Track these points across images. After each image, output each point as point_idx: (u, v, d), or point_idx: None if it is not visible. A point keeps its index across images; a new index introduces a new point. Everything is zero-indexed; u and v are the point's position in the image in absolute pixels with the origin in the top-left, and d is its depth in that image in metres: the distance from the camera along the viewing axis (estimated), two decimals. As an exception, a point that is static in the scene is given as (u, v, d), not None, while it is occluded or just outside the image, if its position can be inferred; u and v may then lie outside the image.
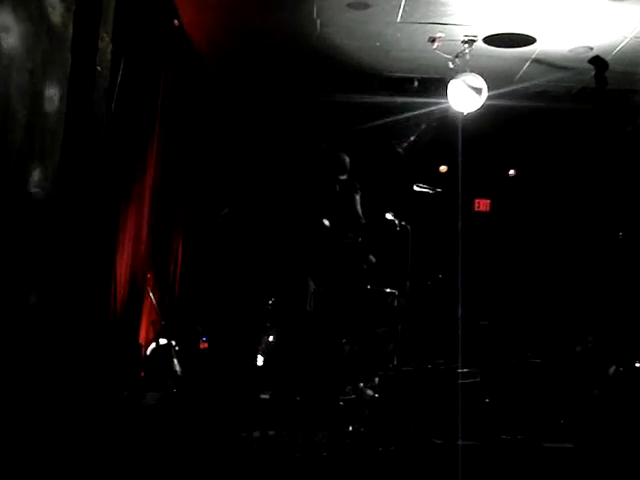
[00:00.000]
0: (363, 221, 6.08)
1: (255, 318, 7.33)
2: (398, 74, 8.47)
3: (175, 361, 6.31)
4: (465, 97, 7.43)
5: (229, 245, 8.40)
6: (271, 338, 6.95)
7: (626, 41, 7.25)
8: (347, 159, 6.28)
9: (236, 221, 8.15)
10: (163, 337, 6.43)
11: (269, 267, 6.72)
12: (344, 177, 6.26)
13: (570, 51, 7.58)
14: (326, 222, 5.99)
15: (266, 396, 6.08)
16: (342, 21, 7.07)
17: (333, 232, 6.02)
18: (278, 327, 6.54)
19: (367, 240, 6.25)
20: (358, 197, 6.12)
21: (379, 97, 8.64)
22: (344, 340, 6.34)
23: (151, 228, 6.49)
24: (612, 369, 6.02)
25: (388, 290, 7.07)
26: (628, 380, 5.86)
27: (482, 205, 9.60)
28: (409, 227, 6.79)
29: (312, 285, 5.91)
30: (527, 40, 7.37)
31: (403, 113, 8.71)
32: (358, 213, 6.05)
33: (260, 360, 7.02)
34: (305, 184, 6.30)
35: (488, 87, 7.42)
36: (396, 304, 7.06)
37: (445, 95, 7.57)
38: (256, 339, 7.13)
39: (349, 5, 6.70)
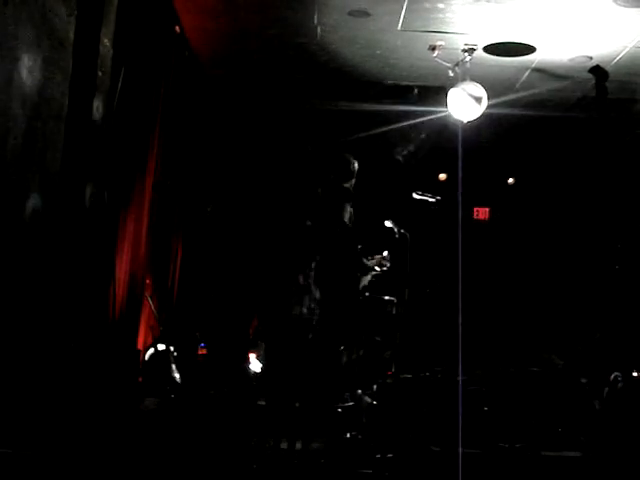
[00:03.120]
0: (348, 226, 6.03)
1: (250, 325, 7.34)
2: (398, 82, 8.48)
3: (173, 367, 6.29)
4: (465, 105, 7.43)
5: (224, 249, 8.41)
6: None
7: (626, 50, 7.26)
8: (355, 164, 6.26)
9: (221, 219, 8.18)
10: (161, 343, 6.42)
11: (259, 273, 6.71)
12: (347, 184, 6.24)
13: (570, 60, 7.59)
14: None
15: (264, 403, 6.07)
16: (343, 29, 7.08)
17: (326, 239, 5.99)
18: (265, 334, 6.50)
19: (364, 247, 6.24)
20: (349, 207, 6.09)
21: (379, 105, 8.64)
22: (342, 347, 6.33)
23: (150, 233, 6.48)
24: (613, 375, 6.02)
25: (387, 298, 7.06)
26: (626, 388, 5.86)
27: (481, 213, 9.61)
28: (408, 235, 6.79)
29: (310, 290, 5.90)
30: (527, 49, 7.39)
31: (403, 121, 8.72)
32: (343, 220, 6.00)
33: (258, 367, 7.01)
34: (297, 189, 6.30)
35: (488, 96, 7.43)
36: (394, 312, 7.05)
37: (445, 103, 7.58)
38: (253, 346, 7.13)
39: (350, 13, 6.71)
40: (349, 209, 6.10)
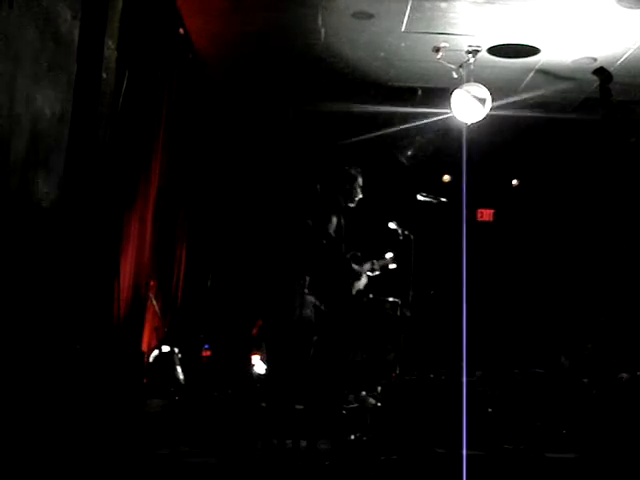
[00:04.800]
0: (333, 237, 6.00)
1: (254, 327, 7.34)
2: (402, 84, 8.48)
3: (178, 368, 6.31)
4: (469, 107, 7.43)
5: (227, 251, 8.42)
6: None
7: (630, 52, 7.26)
8: (358, 180, 6.19)
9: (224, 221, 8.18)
10: (166, 344, 6.43)
11: (262, 274, 6.71)
12: (342, 195, 6.20)
13: (574, 62, 7.59)
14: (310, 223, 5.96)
15: (266, 404, 6.07)
16: (346, 31, 7.09)
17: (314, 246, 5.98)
18: (269, 335, 6.51)
19: (358, 252, 6.25)
20: (334, 217, 6.04)
21: (383, 107, 8.65)
22: (347, 349, 6.33)
23: (154, 235, 6.49)
24: (620, 376, 6.01)
25: (391, 299, 7.06)
26: (632, 388, 5.85)
27: (485, 215, 9.61)
28: (412, 236, 6.79)
29: (310, 296, 5.89)
30: (531, 51, 7.39)
31: (407, 123, 8.72)
32: (328, 232, 5.97)
33: (262, 368, 7.01)
34: (299, 190, 6.29)
35: (492, 97, 7.43)
36: (399, 313, 7.05)
37: (449, 105, 7.58)
38: (257, 347, 7.13)
39: (354, 15, 6.72)
40: (335, 220, 6.06)
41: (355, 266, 6.23)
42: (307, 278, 5.97)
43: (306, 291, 5.69)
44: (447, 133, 8.55)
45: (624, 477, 4.72)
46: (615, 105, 7.53)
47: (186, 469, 4.55)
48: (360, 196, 6.20)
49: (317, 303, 5.85)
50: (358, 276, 6.26)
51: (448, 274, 8.11)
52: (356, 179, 6.16)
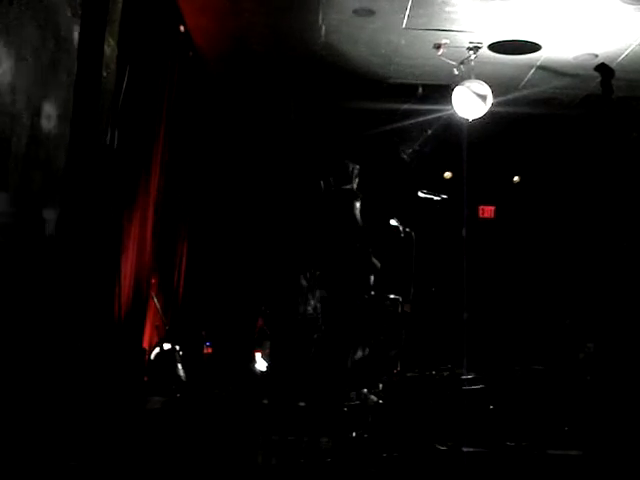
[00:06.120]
0: (360, 225, 6.07)
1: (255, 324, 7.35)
2: (403, 81, 8.47)
3: (179, 366, 6.31)
4: (470, 104, 7.43)
5: (229, 248, 8.42)
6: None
7: (631, 48, 7.25)
8: (355, 168, 6.26)
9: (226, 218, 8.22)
10: (167, 342, 6.44)
11: (266, 272, 6.72)
12: (348, 186, 6.25)
13: (575, 58, 7.58)
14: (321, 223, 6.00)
15: (268, 401, 6.08)
16: (347, 28, 7.08)
17: (336, 238, 6.02)
18: (272, 333, 6.53)
19: (371, 246, 6.27)
20: (358, 204, 6.12)
21: (384, 104, 8.64)
22: (349, 346, 6.34)
23: (155, 233, 6.48)
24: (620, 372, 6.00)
25: (392, 296, 7.07)
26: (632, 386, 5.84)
27: (486, 212, 9.61)
28: (413, 233, 6.79)
29: (314, 290, 5.90)
30: (532, 47, 7.38)
31: (408, 119, 8.71)
32: (356, 219, 6.05)
33: (263, 365, 7.02)
34: (303, 191, 6.31)
35: (493, 94, 7.42)
36: (400, 310, 7.05)
37: (450, 102, 7.58)
38: (259, 345, 7.14)
39: (354, 12, 6.71)
40: (358, 206, 6.12)
41: (375, 260, 6.26)
42: (316, 273, 6.00)
43: (307, 285, 5.70)
44: (448, 130, 8.55)
45: (627, 474, 4.71)
46: (617, 101, 7.53)
47: (188, 467, 4.55)
48: (355, 186, 6.26)
49: (327, 297, 5.86)
50: (376, 270, 6.29)
51: (449, 271, 8.13)
52: (354, 172, 6.22)
